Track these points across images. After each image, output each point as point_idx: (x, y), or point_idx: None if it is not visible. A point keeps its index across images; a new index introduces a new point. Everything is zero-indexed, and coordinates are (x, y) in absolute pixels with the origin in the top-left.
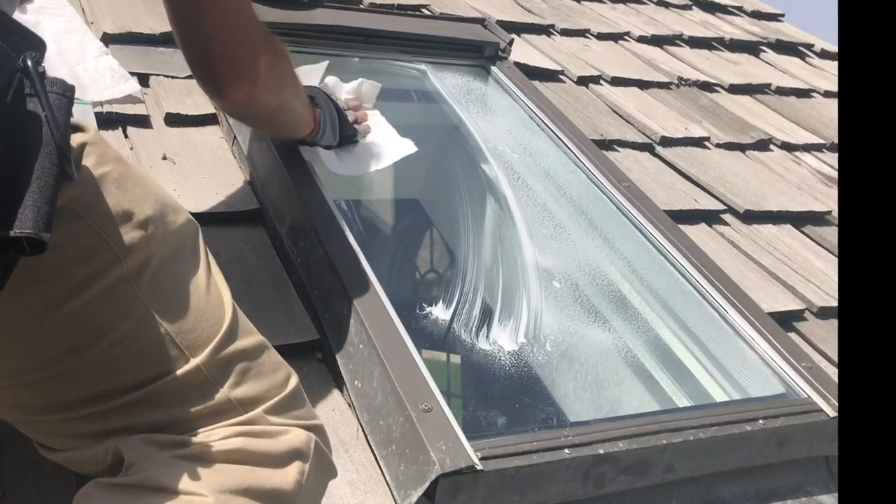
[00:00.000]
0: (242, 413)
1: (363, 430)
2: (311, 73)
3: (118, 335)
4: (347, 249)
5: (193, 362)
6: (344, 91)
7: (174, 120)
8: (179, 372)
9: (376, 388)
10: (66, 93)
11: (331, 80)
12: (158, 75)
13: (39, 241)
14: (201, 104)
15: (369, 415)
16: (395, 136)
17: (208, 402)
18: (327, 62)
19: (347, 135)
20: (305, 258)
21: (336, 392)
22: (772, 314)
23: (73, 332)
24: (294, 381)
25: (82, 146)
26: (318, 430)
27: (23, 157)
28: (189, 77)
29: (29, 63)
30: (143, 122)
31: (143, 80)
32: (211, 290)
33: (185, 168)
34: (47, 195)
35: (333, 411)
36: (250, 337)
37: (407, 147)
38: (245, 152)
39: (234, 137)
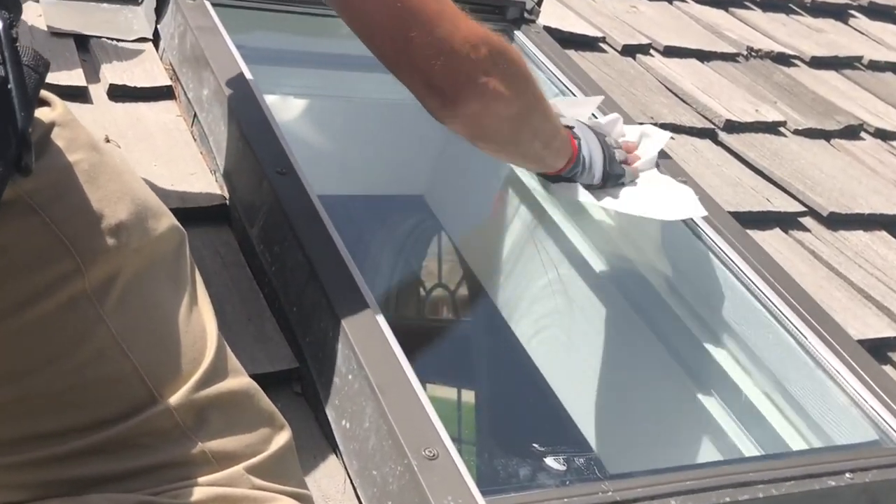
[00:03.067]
0: (217, 469)
1: (351, 483)
2: (578, 106)
3: (73, 363)
4: (334, 256)
5: (163, 404)
6: (618, 130)
7: (120, 93)
8: (146, 414)
9: (368, 430)
10: (38, 67)
11: (607, 118)
12: (100, 37)
13: None
14: (154, 74)
15: (360, 463)
16: (682, 193)
17: (178, 452)
18: (601, 97)
19: (614, 174)
20: (281, 266)
21: (318, 434)
22: (862, 342)
23: (15, 353)
24: (285, 436)
25: (49, 126)
26: (306, 502)
27: None
28: (141, 40)
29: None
30: (79, 95)
31: (81, 43)
32: (193, 317)
33: (132, 153)
34: None
35: (315, 458)
36: (236, 378)
37: (694, 208)
38: (208, 134)
39: (195, 115)
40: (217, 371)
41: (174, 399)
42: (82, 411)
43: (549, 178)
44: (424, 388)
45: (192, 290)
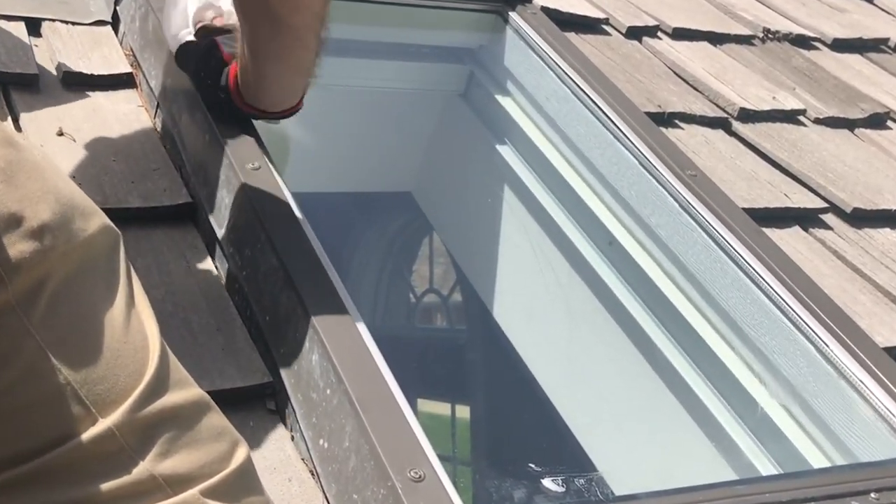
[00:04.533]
0: (170, 495)
1: None
2: None
3: (1, 383)
4: (311, 259)
5: (103, 423)
6: None
7: (75, 81)
8: (84, 437)
9: (348, 450)
10: None
11: None
12: (54, 20)
13: None
14: (113, 60)
15: (339, 486)
16: None
17: (123, 478)
18: None
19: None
20: (253, 271)
21: (294, 455)
22: (889, 350)
23: None
24: (242, 453)
25: None
26: None
27: None
28: (99, 23)
29: None
30: (30, 83)
31: (33, 24)
32: (131, 324)
33: (89, 147)
34: None
35: (290, 481)
36: (183, 390)
37: None
38: (172, 126)
39: (158, 105)
40: (162, 383)
41: (115, 418)
42: (12, 437)
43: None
44: (411, 404)
45: (129, 294)
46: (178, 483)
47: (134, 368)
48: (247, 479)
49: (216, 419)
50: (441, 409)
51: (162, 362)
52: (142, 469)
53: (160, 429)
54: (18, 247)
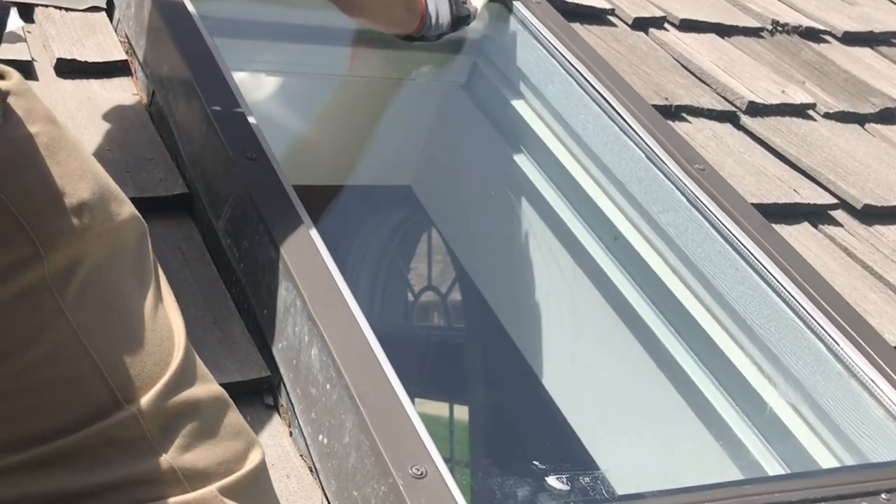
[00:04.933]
0: (187, 490)
1: None
2: None
3: (27, 360)
4: (310, 252)
5: (129, 410)
6: None
7: (69, 69)
8: (108, 421)
9: (349, 446)
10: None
11: None
12: (46, 6)
13: None
14: (107, 47)
15: (338, 483)
16: None
17: (144, 467)
18: None
19: (462, 17)
20: (251, 263)
21: (292, 451)
22: None
23: None
24: (258, 455)
25: (4, 94)
26: None
27: None
28: (93, 9)
29: None
30: (24, 70)
31: (26, 11)
32: (159, 315)
33: (83, 136)
34: None
35: (288, 478)
36: (205, 385)
37: None
38: (168, 114)
39: (153, 94)
40: (185, 376)
41: (140, 405)
42: (35, 416)
43: (405, 39)
44: (412, 400)
45: (157, 286)
46: (196, 478)
47: (160, 358)
48: (261, 481)
49: (234, 418)
50: (439, 409)
51: (187, 355)
52: (163, 460)
53: (182, 421)
54: (59, 222)
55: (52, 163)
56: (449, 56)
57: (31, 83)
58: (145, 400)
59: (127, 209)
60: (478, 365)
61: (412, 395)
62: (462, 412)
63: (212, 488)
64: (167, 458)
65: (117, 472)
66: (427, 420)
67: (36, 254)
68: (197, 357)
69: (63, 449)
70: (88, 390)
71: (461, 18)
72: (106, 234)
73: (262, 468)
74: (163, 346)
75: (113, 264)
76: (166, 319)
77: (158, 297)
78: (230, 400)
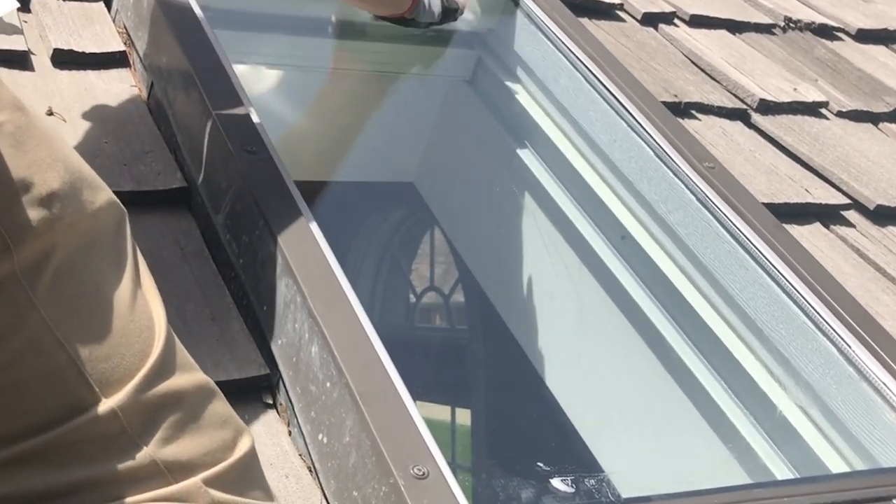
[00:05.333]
0: (171, 482)
1: None
2: None
3: (3, 357)
4: (311, 247)
5: (107, 404)
6: None
7: (66, 59)
8: (86, 416)
9: (349, 445)
10: None
11: None
12: None
13: None
14: (105, 38)
15: (338, 483)
16: None
17: (124, 461)
18: None
19: (451, 9)
20: (251, 259)
21: (291, 451)
22: None
23: None
24: (247, 443)
25: None
26: None
27: None
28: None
29: None
30: (19, 61)
31: (23, 1)
32: (137, 304)
33: (79, 128)
34: None
35: (287, 478)
36: (188, 374)
37: None
38: (167, 107)
39: (152, 84)
40: (167, 366)
41: (119, 398)
42: (12, 414)
43: (395, 22)
44: (413, 400)
45: (135, 273)
46: (179, 470)
47: (139, 348)
48: (250, 469)
49: (220, 406)
50: (440, 413)
51: (168, 344)
52: (143, 454)
53: (164, 412)
54: (27, 214)
55: (19, 152)
56: (453, 50)
57: (26, 74)
58: (124, 393)
59: (102, 196)
60: (480, 366)
61: (413, 398)
62: (464, 416)
63: (196, 479)
64: (148, 452)
65: (97, 468)
66: (428, 424)
67: (5, 248)
68: (180, 345)
69: (40, 446)
70: (65, 385)
71: (450, 10)
72: (78, 224)
73: (250, 457)
74: (142, 337)
75: (87, 254)
76: (146, 308)
77: (137, 285)
78: (216, 388)
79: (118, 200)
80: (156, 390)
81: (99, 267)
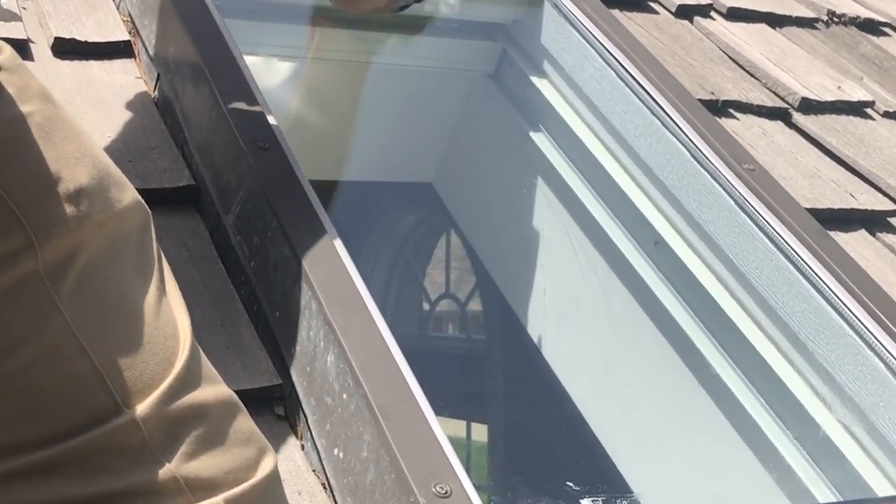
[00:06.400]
0: (192, 500)
1: None
2: None
3: (20, 360)
4: (327, 250)
5: (129, 414)
6: None
7: (67, 49)
8: (107, 427)
9: (367, 461)
10: None
11: None
12: None
13: None
14: (109, 26)
15: (355, 500)
16: None
17: (144, 476)
18: None
19: None
20: (263, 261)
21: (304, 466)
22: None
23: None
24: (270, 462)
25: None
26: None
27: None
28: None
29: None
30: (18, 49)
31: None
32: (162, 310)
33: (82, 122)
34: None
35: (300, 494)
36: (213, 387)
37: None
38: (174, 100)
39: (158, 76)
40: (191, 378)
41: (141, 409)
42: (30, 421)
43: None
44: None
45: (160, 279)
46: (201, 488)
47: (164, 357)
48: (273, 490)
49: (244, 422)
50: (455, 428)
51: (193, 355)
52: (165, 469)
53: (187, 426)
54: (55, 210)
55: (47, 145)
56: (475, 43)
57: (25, 64)
58: (147, 404)
59: (129, 195)
60: (501, 376)
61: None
62: (480, 431)
63: (218, 499)
64: (169, 467)
65: (115, 481)
66: (451, 439)
67: (29, 245)
68: (204, 357)
69: (58, 456)
70: (86, 393)
71: None
72: (105, 223)
73: (274, 477)
74: (166, 345)
75: (113, 255)
76: (170, 315)
77: (162, 291)
78: (240, 403)
79: (142, 201)
80: (179, 402)
81: (124, 270)
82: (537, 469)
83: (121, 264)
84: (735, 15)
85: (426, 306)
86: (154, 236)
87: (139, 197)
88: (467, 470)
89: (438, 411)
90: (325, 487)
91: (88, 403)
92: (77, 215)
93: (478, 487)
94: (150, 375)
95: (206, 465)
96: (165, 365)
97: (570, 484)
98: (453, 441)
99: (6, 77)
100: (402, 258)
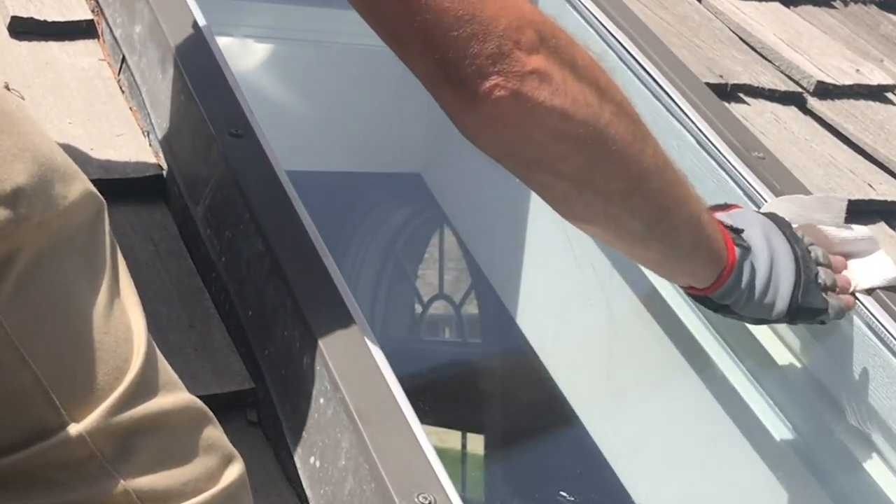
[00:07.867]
0: None
1: None
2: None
3: None
4: (304, 244)
5: (74, 428)
6: (831, 235)
7: (25, 28)
8: (51, 441)
9: (345, 470)
10: None
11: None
12: None
13: None
14: (70, 5)
15: None
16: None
17: (92, 490)
18: (845, 201)
19: (808, 308)
20: (234, 257)
21: (278, 476)
22: None
23: None
24: (235, 471)
25: None
26: None
27: None
28: None
29: None
30: None
31: None
32: (114, 313)
33: (41, 107)
34: None
35: None
36: (172, 394)
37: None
38: (140, 84)
39: (123, 59)
40: (147, 385)
41: (88, 422)
42: None
43: (695, 300)
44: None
45: (113, 277)
46: (154, 501)
47: (115, 365)
48: (236, 500)
49: (208, 430)
50: (449, 439)
51: (148, 360)
52: (114, 482)
53: (141, 437)
54: None
55: None
56: None
57: None
58: (96, 415)
59: (77, 187)
60: (496, 382)
61: (422, 420)
62: (476, 443)
63: None
64: (121, 481)
65: (63, 497)
66: (436, 452)
67: None
68: (163, 361)
69: (1, 471)
70: (28, 407)
71: (806, 310)
72: (49, 223)
73: (238, 486)
74: (118, 351)
75: (57, 257)
76: (123, 318)
77: (115, 292)
78: (204, 409)
79: (95, 190)
80: (132, 412)
81: (71, 271)
82: (535, 479)
83: (67, 265)
84: None
85: (418, 307)
86: (108, 230)
87: (91, 187)
88: (462, 482)
89: (431, 421)
90: (300, 499)
91: (31, 417)
92: (13, 218)
93: (473, 502)
94: (99, 384)
95: (162, 476)
96: (117, 373)
97: (566, 495)
98: (447, 453)
99: None
100: (393, 254)
